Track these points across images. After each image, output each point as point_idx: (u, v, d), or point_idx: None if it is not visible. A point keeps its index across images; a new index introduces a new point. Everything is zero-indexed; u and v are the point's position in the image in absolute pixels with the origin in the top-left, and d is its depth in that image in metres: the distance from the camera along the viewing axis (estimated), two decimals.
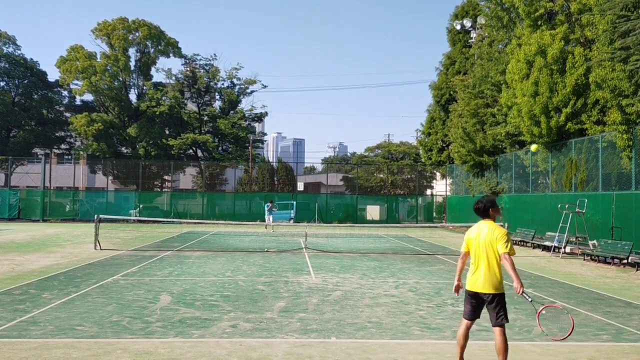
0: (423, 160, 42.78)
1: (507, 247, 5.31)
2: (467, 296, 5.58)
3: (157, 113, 42.54)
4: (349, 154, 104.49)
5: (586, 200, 18.71)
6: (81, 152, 44.85)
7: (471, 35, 36.41)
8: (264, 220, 30.01)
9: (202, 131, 45.25)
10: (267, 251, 17.91)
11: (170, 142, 42.72)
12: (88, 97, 45.37)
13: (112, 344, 6.42)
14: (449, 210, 37.22)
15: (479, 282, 5.42)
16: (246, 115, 46.40)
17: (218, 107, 47.08)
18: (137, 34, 43.73)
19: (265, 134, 57.25)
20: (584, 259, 17.20)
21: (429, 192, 48.51)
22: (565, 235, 18.40)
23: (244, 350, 6.28)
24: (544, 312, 5.76)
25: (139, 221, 32.76)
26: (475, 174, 30.94)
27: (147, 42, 44.29)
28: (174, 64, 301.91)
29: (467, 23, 35.73)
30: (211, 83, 46.18)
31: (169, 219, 33.83)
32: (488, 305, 5.43)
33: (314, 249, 18.87)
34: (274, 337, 6.89)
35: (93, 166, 45.85)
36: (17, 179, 42.75)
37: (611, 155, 18.92)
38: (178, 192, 43.76)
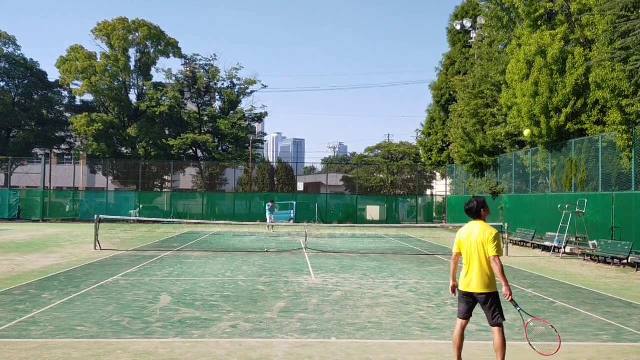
0: (423, 160, 42.79)
1: (495, 250, 5.36)
2: (461, 296, 5.62)
3: (157, 113, 42.55)
4: (349, 154, 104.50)
5: (586, 201, 18.71)
6: (81, 153, 44.86)
7: (471, 36, 36.42)
8: (265, 221, 30.05)
9: (202, 131, 45.25)
10: (267, 251, 17.90)
11: (170, 143, 42.72)
12: (88, 97, 45.43)
13: (112, 344, 6.42)
14: (449, 211, 37.22)
15: (472, 282, 5.47)
16: (246, 115, 46.41)
17: (218, 107, 47.09)
18: (137, 34, 43.74)
19: (265, 134, 57.27)
20: (584, 259, 17.20)
21: (429, 192, 48.49)
22: (565, 236, 18.39)
23: (244, 350, 6.28)
24: (531, 324, 5.79)
25: (139, 221, 32.76)
26: (475, 174, 30.94)
27: (147, 43, 44.30)
28: (174, 64, 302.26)
29: (467, 23, 35.74)
30: (211, 83, 46.19)
31: (169, 219, 33.82)
32: (483, 306, 5.47)
33: (314, 249, 18.86)
34: (274, 337, 6.89)
35: (93, 166, 45.87)
36: (17, 179, 42.76)
37: (611, 155, 18.92)
38: (178, 193, 43.77)
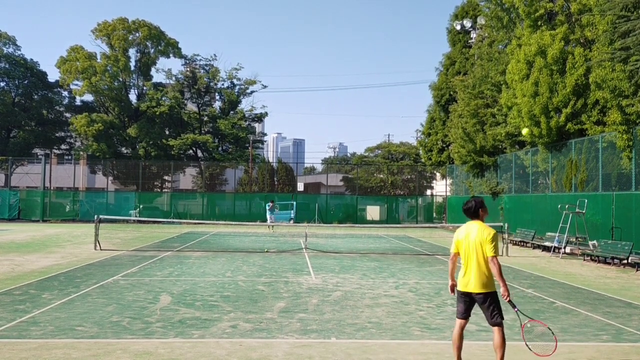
0: (423, 160, 42.79)
1: (493, 250, 5.38)
2: (459, 296, 5.63)
3: (157, 113, 42.55)
4: (349, 154, 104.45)
5: (586, 201, 18.71)
6: (81, 153, 44.86)
7: (471, 36, 36.43)
8: (265, 221, 30.07)
9: (202, 131, 45.25)
10: (267, 251, 17.90)
11: (170, 143, 42.73)
12: (88, 97, 45.43)
13: (112, 344, 6.42)
14: (449, 211, 37.22)
15: (470, 282, 5.47)
16: (246, 115, 46.41)
17: (218, 107, 47.09)
18: (137, 34, 43.74)
19: (265, 134, 57.26)
20: (584, 259, 17.20)
21: (429, 192, 48.49)
22: (565, 236, 18.39)
23: (244, 350, 6.28)
24: (528, 325, 5.81)
25: (139, 221, 32.76)
26: (475, 174, 30.94)
27: (147, 43, 44.31)
28: (174, 64, 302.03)
29: (467, 23, 35.75)
30: (211, 83, 46.19)
31: (169, 220, 33.82)
32: (481, 306, 5.48)
33: (314, 249, 18.86)
34: (274, 337, 6.89)
35: (93, 166, 45.87)
36: (17, 180, 42.76)
37: (611, 155, 18.92)
38: (178, 193, 43.77)
